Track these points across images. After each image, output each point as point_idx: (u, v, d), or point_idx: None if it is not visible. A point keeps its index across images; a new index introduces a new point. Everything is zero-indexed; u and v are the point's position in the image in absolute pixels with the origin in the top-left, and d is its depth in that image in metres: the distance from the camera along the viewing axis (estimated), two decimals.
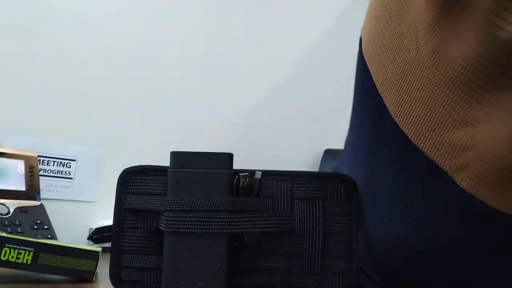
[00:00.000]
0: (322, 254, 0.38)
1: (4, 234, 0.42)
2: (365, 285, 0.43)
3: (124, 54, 0.97)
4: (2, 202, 0.66)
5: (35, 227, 0.67)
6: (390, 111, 0.35)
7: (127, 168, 0.39)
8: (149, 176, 0.38)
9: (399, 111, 0.34)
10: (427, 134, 0.33)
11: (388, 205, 0.38)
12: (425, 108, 0.32)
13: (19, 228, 0.64)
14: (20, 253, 0.42)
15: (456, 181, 0.31)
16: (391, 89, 0.35)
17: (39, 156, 0.81)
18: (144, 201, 0.37)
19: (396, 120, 0.35)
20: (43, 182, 0.82)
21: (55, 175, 0.88)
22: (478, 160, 0.29)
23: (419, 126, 0.33)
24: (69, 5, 0.93)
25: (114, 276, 0.38)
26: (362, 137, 0.42)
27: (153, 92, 0.99)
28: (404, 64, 0.34)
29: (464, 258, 0.35)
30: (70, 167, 0.89)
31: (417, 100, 0.33)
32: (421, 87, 0.32)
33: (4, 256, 0.41)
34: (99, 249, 0.46)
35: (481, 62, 0.28)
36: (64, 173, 0.88)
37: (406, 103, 0.34)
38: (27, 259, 0.42)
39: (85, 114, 0.92)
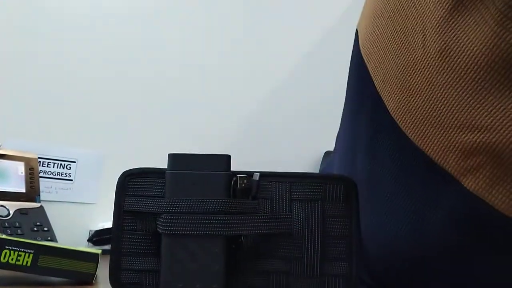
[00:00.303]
0: (321, 257, 0.37)
1: (4, 236, 0.43)
2: None
3: (124, 55, 0.97)
4: (2, 204, 0.66)
5: (35, 229, 0.67)
6: (389, 110, 0.35)
7: (126, 170, 0.39)
8: (148, 178, 0.38)
9: (400, 110, 0.34)
10: (431, 135, 0.32)
11: (386, 205, 0.38)
12: (430, 109, 0.32)
13: (19, 230, 0.64)
14: (20, 255, 0.42)
15: (463, 183, 0.31)
16: (391, 88, 0.34)
17: (39, 157, 0.81)
18: (143, 203, 0.37)
19: (396, 119, 0.34)
20: (43, 184, 0.82)
21: (55, 176, 0.88)
22: (492, 162, 0.29)
23: (422, 126, 0.32)
24: (69, 5, 0.93)
25: (113, 278, 0.38)
26: (359, 134, 0.41)
27: (153, 94, 0.99)
28: (408, 63, 0.33)
29: (464, 260, 0.34)
30: (70, 169, 0.89)
31: (421, 101, 0.32)
32: (426, 88, 0.31)
33: (4, 258, 0.41)
34: (99, 251, 0.46)
35: (490, 66, 0.28)
36: (64, 175, 0.89)
37: (409, 102, 0.33)
38: (27, 261, 0.42)
39: (86, 115, 0.92)
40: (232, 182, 0.37)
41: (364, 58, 0.39)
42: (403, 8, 0.34)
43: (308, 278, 0.37)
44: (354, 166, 0.42)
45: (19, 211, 0.67)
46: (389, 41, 0.35)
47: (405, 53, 0.33)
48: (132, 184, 0.38)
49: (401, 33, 0.34)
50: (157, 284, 0.37)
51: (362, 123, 0.40)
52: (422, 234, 0.35)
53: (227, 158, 0.37)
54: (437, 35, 0.30)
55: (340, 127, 0.48)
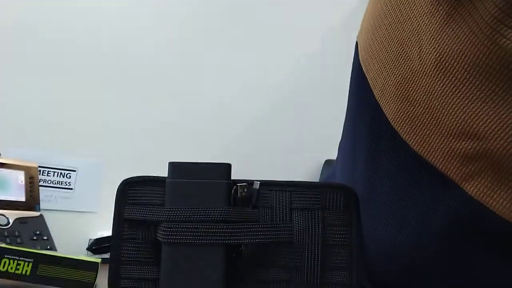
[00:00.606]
0: (322, 266, 0.37)
1: (3, 245, 0.43)
2: None
3: (125, 63, 0.97)
4: (1, 213, 0.66)
5: (35, 237, 0.66)
6: (389, 119, 0.35)
7: (126, 179, 0.39)
8: (148, 186, 0.38)
9: (400, 119, 0.34)
10: (431, 143, 0.32)
11: (387, 213, 0.38)
12: (429, 117, 0.32)
13: (18, 239, 0.64)
14: (19, 264, 0.42)
15: (464, 188, 0.31)
16: (390, 98, 0.35)
17: (39, 166, 0.81)
18: (143, 211, 0.37)
19: (395, 128, 0.35)
20: (43, 193, 0.82)
21: (55, 185, 0.88)
22: (493, 168, 0.29)
23: (422, 134, 0.33)
24: (70, 6, 0.94)
25: (113, 287, 0.37)
26: (360, 144, 0.41)
27: (152, 102, 0.99)
28: (406, 73, 0.33)
29: (463, 262, 0.35)
30: (70, 178, 0.89)
31: (421, 109, 0.33)
32: (425, 97, 0.32)
33: (4, 267, 0.41)
34: (99, 260, 0.46)
35: (485, 72, 0.28)
36: (64, 184, 0.89)
37: (408, 112, 0.33)
38: (26, 270, 0.42)
39: (85, 124, 0.93)
40: (233, 191, 0.37)
41: (363, 69, 0.39)
42: (399, 22, 0.34)
43: (308, 287, 0.37)
44: (355, 175, 0.43)
45: (19, 220, 0.67)
46: (387, 53, 0.35)
47: (403, 64, 0.34)
48: (132, 192, 0.38)
49: (398, 45, 0.34)
50: None
51: (362, 133, 0.41)
52: (422, 238, 0.35)
53: (227, 167, 0.37)
54: (432, 47, 0.31)
55: (341, 137, 0.49)
